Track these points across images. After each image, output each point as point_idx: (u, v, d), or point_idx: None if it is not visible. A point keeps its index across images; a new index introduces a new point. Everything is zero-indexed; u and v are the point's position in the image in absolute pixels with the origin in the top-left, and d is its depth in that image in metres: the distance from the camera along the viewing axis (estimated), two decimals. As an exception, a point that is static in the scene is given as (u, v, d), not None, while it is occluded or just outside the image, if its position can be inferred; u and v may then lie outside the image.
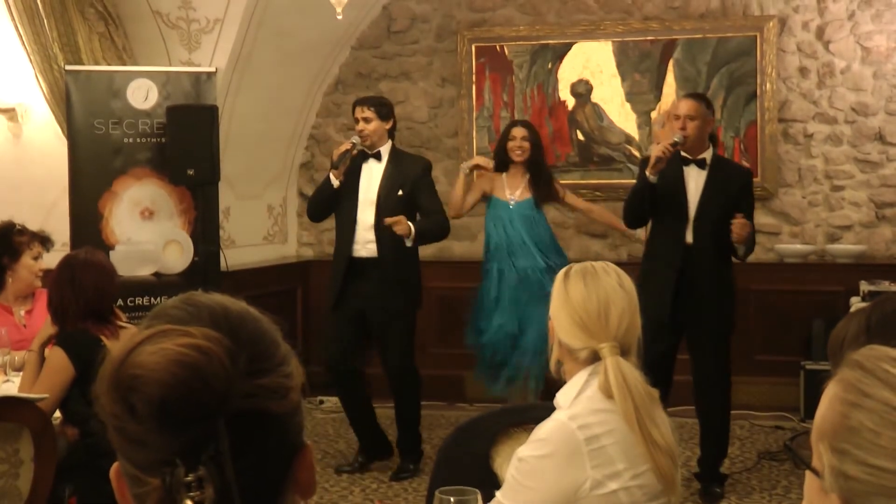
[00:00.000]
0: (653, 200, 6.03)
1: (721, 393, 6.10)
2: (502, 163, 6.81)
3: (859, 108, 8.18)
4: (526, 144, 6.69)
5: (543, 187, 6.78)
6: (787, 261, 8.17)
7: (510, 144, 6.72)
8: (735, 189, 6.02)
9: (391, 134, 6.58)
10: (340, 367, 6.41)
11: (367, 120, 6.43)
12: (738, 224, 5.82)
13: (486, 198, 6.88)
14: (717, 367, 6.07)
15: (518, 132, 6.75)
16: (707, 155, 6.08)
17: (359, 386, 6.57)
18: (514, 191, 6.75)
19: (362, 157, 6.48)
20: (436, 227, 6.52)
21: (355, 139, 6.42)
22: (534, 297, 6.48)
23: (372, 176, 6.49)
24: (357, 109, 6.51)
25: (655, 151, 5.94)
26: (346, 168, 6.41)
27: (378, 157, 6.50)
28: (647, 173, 5.94)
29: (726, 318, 6.12)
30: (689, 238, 6.01)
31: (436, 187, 6.71)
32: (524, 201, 6.74)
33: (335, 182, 6.41)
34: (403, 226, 6.23)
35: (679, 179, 6.04)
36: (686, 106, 6.08)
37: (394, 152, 6.57)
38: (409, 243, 6.34)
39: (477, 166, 6.93)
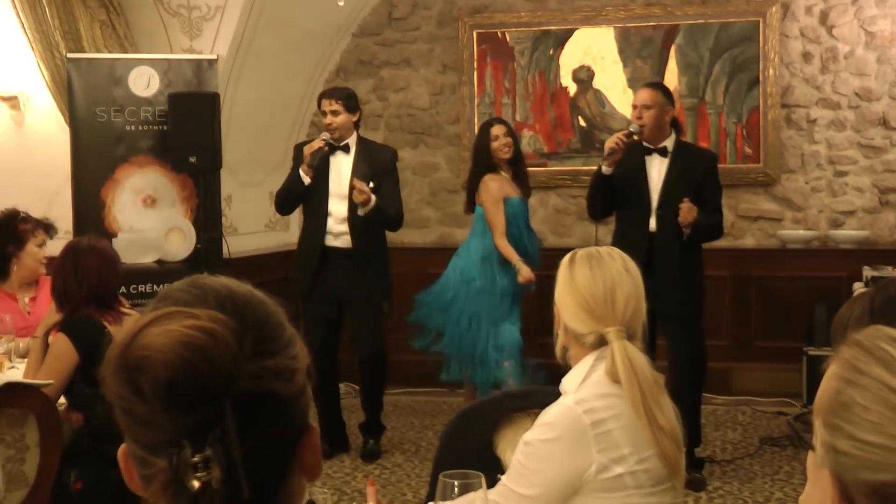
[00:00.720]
0: (613, 192, 6.07)
1: (691, 381, 6.05)
2: (489, 165, 6.66)
3: (863, 93, 8.17)
4: (510, 140, 6.63)
5: (527, 182, 6.75)
6: (789, 247, 8.17)
7: (494, 145, 6.61)
8: (699, 175, 6.02)
9: (357, 125, 6.60)
10: (322, 363, 6.45)
11: (335, 113, 6.45)
12: (684, 208, 5.82)
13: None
14: (686, 355, 6.05)
15: (499, 130, 6.65)
16: (668, 143, 6.10)
17: (334, 373, 6.70)
18: (515, 188, 6.71)
19: (330, 149, 6.48)
20: (393, 214, 6.54)
21: (325, 135, 6.44)
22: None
23: (342, 169, 6.51)
24: (324, 102, 6.53)
25: (608, 143, 5.99)
26: (317, 163, 6.43)
27: (346, 149, 6.53)
28: (602, 165, 6.02)
29: (694, 305, 6.11)
30: (653, 226, 6.03)
31: (400, 179, 6.78)
32: (521, 198, 6.71)
33: (306, 179, 6.43)
34: (364, 192, 6.26)
35: (641, 169, 6.07)
36: (642, 95, 6.11)
37: (361, 143, 6.61)
38: (360, 212, 6.35)
39: None
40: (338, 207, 6.48)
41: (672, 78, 8.30)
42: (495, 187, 6.59)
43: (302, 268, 6.62)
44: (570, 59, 8.55)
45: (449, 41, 8.81)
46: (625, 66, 8.46)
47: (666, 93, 6.17)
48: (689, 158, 6.10)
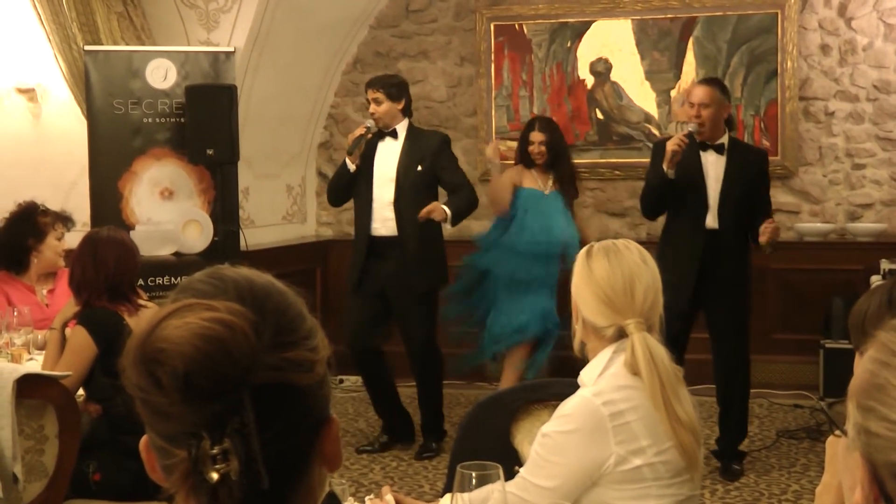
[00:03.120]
0: (672, 191, 6.04)
1: (742, 378, 6.15)
2: (527, 160, 6.90)
3: (881, 85, 8.13)
4: (543, 149, 6.79)
5: (569, 186, 6.89)
6: (806, 239, 8.14)
7: (530, 149, 6.83)
8: (753, 172, 6.05)
9: (406, 112, 6.55)
10: (359, 346, 6.44)
11: (377, 101, 6.42)
12: (770, 229, 5.83)
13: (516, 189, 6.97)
14: (739, 352, 6.10)
15: (535, 137, 6.82)
16: (724, 140, 6.07)
17: (380, 365, 6.60)
18: (545, 184, 6.87)
19: (378, 136, 6.47)
20: (468, 201, 6.52)
21: (369, 123, 6.42)
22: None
23: (389, 154, 6.47)
24: (368, 91, 6.51)
25: (670, 145, 5.90)
26: (362, 150, 6.41)
27: (394, 134, 6.48)
28: (665, 168, 5.93)
29: (745, 302, 6.15)
30: (713, 224, 6.01)
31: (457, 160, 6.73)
32: (555, 193, 6.86)
33: (351, 167, 6.42)
34: (439, 212, 6.26)
35: (697, 167, 6.03)
36: (699, 93, 6.03)
37: (411, 129, 6.56)
38: (450, 226, 6.40)
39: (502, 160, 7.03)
40: (382, 192, 6.43)
41: (689, 70, 8.28)
42: (512, 174, 6.95)
43: (354, 259, 6.59)
44: (587, 51, 8.54)
45: (466, 33, 8.80)
46: (642, 58, 8.44)
47: (723, 89, 6.11)
48: (744, 156, 6.09)
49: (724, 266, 5.98)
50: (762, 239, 5.85)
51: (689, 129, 5.99)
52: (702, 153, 6.03)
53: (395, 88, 6.49)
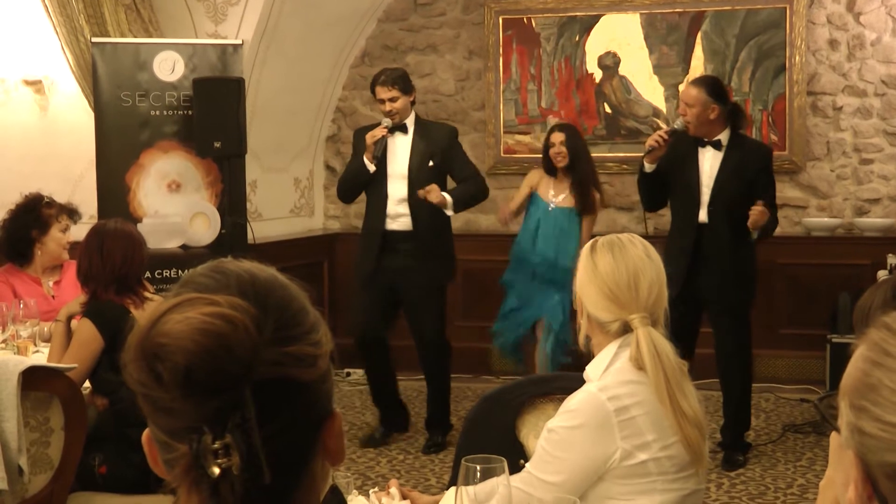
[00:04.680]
0: (661, 185, 6.16)
1: (740, 367, 6.17)
2: (550, 168, 6.85)
3: (889, 80, 8.11)
4: (564, 150, 6.71)
5: (581, 197, 6.75)
6: (814, 234, 8.14)
7: (551, 151, 6.77)
8: (752, 169, 6.07)
9: (414, 103, 6.54)
10: (369, 335, 6.43)
11: (393, 99, 6.36)
12: (756, 212, 5.86)
13: (532, 193, 6.98)
14: (736, 342, 6.13)
15: (556, 137, 6.77)
16: (724, 136, 6.10)
17: (386, 356, 6.60)
18: (557, 194, 6.82)
19: (389, 131, 6.44)
20: (474, 191, 6.52)
21: (386, 122, 6.36)
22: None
23: (400, 149, 6.44)
24: (379, 90, 6.40)
25: (648, 140, 6.10)
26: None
27: (404, 129, 6.45)
28: (644, 162, 6.10)
29: (744, 295, 6.17)
30: (704, 218, 6.07)
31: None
32: (564, 208, 6.79)
33: (371, 167, 6.38)
34: (436, 194, 6.23)
35: (693, 162, 6.10)
36: (684, 93, 6.22)
37: (418, 122, 6.55)
38: (449, 212, 6.37)
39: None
40: (396, 189, 6.42)
41: (698, 65, 8.26)
42: (530, 176, 7.00)
43: (363, 253, 6.56)
44: (595, 45, 8.52)
45: (475, 27, 8.79)
46: (650, 52, 8.42)
47: (712, 90, 6.10)
48: (743, 152, 6.11)
49: (717, 260, 6.02)
50: (749, 223, 5.90)
51: (675, 125, 6.11)
52: (700, 149, 6.10)
53: (407, 81, 6.48)
